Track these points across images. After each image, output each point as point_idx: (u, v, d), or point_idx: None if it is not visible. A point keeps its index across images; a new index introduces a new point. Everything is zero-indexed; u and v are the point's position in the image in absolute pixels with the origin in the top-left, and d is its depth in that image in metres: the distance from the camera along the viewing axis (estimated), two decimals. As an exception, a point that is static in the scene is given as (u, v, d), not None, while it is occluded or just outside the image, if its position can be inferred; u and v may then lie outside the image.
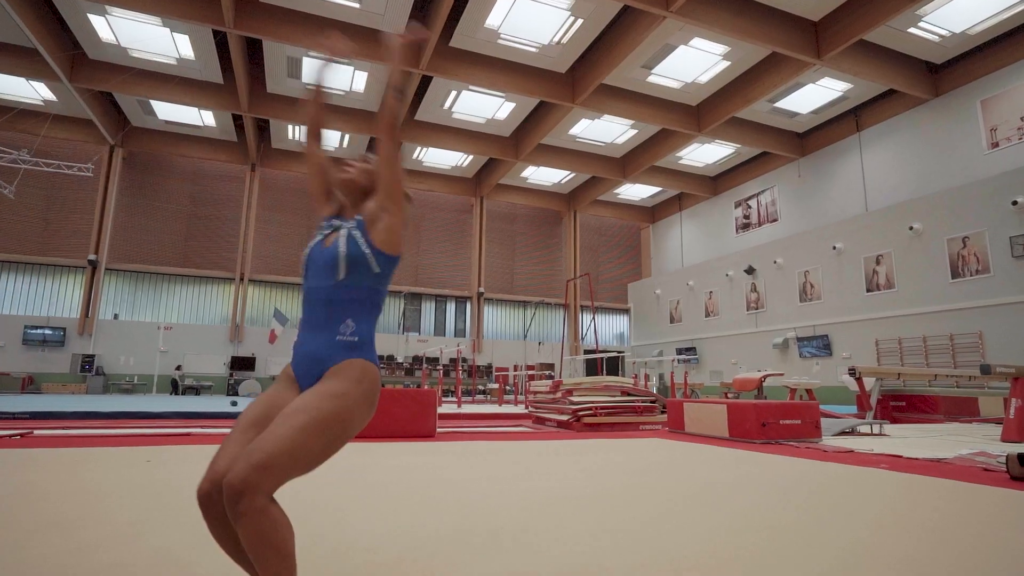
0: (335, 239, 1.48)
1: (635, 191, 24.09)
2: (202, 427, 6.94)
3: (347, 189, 1.61)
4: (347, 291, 1.43)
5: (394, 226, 1.50)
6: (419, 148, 20.58)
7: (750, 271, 19.56)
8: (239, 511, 1.11)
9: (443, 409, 11.26)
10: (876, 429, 6.27)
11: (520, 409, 11.83)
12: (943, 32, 13.54)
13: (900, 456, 4.52)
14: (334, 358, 1.37)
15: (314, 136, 1.75)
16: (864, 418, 7.32)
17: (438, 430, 6.73)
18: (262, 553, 1.12)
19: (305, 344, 1.41)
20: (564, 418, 7.98)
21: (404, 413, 5.35)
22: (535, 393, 9.23)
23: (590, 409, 7.85)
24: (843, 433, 5.94)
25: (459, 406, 12.22)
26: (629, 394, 8.14)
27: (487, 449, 4.64)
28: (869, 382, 8.53)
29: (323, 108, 1.76)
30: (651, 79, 15.89)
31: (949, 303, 13.50)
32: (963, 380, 10.53)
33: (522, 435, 6.40)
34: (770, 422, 5.04)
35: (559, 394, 8.28)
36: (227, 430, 6.17)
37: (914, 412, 8.99)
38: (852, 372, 7.01)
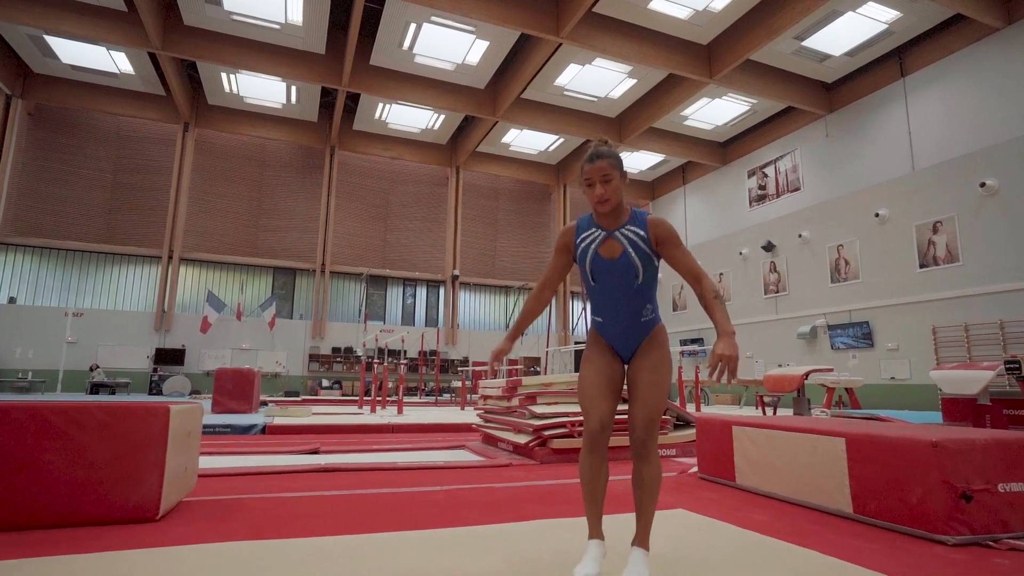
0: (623, 250, 1.91)
1: (634, 162, 21.04)
2: None
3: (607, 210, 1.93)
4: (644, 287, 1.95)
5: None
6: (381, 105, 17.49)
7: (769, 248, 16.58)
8: (647, 450, 1.84)
9: (376, 418, 8.26)
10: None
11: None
12: (1030, -70, 10.57)
13: None
14: (644, 333, 1.98)
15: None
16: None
17: (298, 459, 3.73)
18: (656, 486, 1.83)
19: (616, 327, 1.99)
20: (522, 440, 5.01)
21: (76, 463, 2.16)
22: (486, 398, 6.23)
23: (562, 425, 4.88)
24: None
25: (400, 412, 9.21)
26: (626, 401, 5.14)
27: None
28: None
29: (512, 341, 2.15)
30: (653, 5, 12.84)
31: (1037, 278, 10.53)
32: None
33: (424, 488, 3.41)
34: (979, 488, 2.04)
35: (516, 401, 5.29)
36: None
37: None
38: (1014, 366, 4.02)
